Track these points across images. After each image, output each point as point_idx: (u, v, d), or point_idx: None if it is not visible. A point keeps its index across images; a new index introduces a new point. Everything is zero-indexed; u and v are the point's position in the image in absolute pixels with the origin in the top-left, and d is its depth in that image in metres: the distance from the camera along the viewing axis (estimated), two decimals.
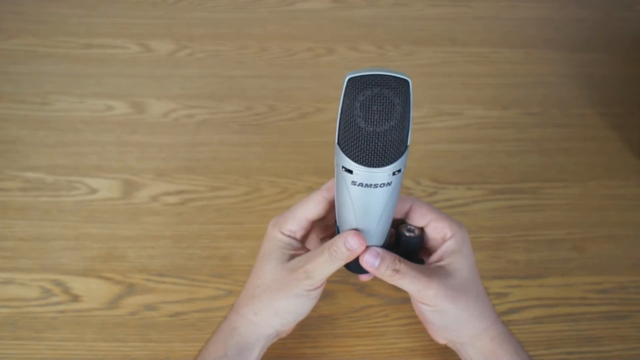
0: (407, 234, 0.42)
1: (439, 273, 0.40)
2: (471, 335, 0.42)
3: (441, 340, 0.45)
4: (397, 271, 0.39)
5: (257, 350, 0.42)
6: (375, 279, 0.43)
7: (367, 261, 0.40)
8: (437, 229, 0.42)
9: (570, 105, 0.74)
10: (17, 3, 0.85)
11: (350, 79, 0.34)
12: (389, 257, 0.40)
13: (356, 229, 0.39)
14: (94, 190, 0.62)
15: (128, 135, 0.68)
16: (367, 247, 0.40)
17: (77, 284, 0.54)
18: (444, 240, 0.42)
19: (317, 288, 0.41)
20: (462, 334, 0.42)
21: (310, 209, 0.42)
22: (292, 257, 0.42)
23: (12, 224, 0.59)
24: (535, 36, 0.84)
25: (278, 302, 0.41)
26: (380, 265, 0.39)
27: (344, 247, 0.39)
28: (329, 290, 0.54)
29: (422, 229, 0.43)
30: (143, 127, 0.69)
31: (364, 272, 0.41)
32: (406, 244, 0.42)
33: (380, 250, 0.40)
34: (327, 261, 0.39)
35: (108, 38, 0.80)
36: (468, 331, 0.42)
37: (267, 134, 0.69)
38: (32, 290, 0.53)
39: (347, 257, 0.39)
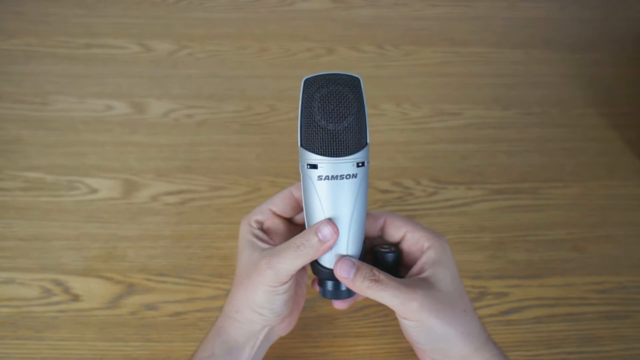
0: (382, 250, 0.41)
1: (421, 285, 0.37)
2: (460, 356, 0.38)
3: None
4: (375, 281, 0.36)
5: (248, 349, 0.41)
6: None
7: (341, 271, 0.37)
8: (413, 239, 0.40)
9: (571, 105, 0.74)
10: (17, 3, 0.85)
11: (306, 80, 0.36)
12: (366, 267, 0.37)
13: (329, 219, 0.37)
14: (94, 190, 0.62)
15: (128, 135, 0.68)
16: (342, 256, 0.38)
17: (78, 284, 0.54)
18: (422, 252, 0.40)
19: (283, 284, 0.38)
20: (450, 355, 0.39)
21: (277, 202, 0.41)
22: (260, 248, 0.40)
23: (12, 224, 0.59)
24: (535, 36, 0.84)
25: (250, 298, 0.39)
26: (356, 276, 0.37)
27: (316, 237, 0.37)
28: None
29: (397, 245, 0.42)
30: (143, 127, 0.69)
31: (339, 296, 0.40)
32: (382, 261, 0.40)
33: (355, 260, 0.38)
34: (294, 255, 0.37)
35: (108, 38, 0.80)
36: (457, 351, 0.38)
37: (267, 134, 0.69)
38: (33, 290, 0.53)
39: (316, 249, 0.37)
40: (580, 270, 0.56)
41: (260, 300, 0.39)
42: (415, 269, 0.40)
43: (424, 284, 0.37)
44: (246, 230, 0.41)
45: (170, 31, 0.82)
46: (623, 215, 0.62)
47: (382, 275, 0.37)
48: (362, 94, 0.37)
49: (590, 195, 0.64)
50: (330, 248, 0.38)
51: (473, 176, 0.65)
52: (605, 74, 0.79)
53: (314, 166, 0.36)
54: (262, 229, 0.42)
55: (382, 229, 0.42)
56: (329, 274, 0.39)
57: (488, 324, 0.52)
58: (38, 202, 0.61)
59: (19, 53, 0.78)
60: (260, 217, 0.42)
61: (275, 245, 0.40)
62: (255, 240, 0.40)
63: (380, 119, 0.71)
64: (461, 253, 0.57)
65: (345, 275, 0.37)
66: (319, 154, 0.36)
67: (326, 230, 0.37)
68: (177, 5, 0.87)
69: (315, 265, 0.40)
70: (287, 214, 0.42)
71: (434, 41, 0.82)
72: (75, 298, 0.53)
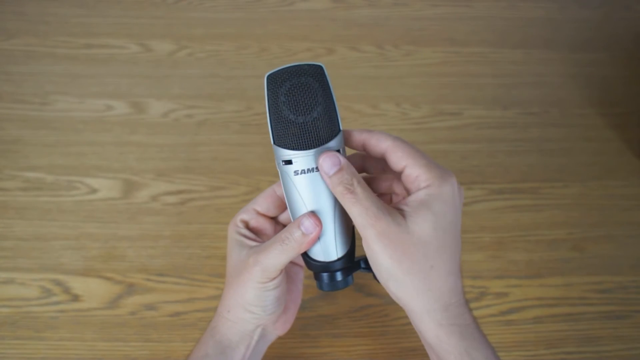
0: None
1: (394, 218, 0.34)
2: (411, 309, 0.36)
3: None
4: (350, 192, 0.34)
5: (243, 348, 0.41)
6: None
7: (324, 164, 0.35)
8: (410, 177, 0.35)
9: (570, 105, 0.74)
10: (17, 3, 0.85)
11: (269, 76, 0.36)
12: (349, 172, 0.35)
13: (312, 212, 0.37)
14: (94, 190, 0.62)
15: (128, 135, 0.68)
16: (329, 151, 0.35)
17: (77, 284, 0.54)
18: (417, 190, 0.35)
19: (272, 279, 0.38)
20: (401, 300, 0.36)
21: (260, 202, 0.42)
22: (248, 246, 0.40)
23: (12, 224, 0.59)
24: (535, 36, 0.84)
25: (241, 297, 0.39)
26: (334, 175, 0.35)
27: (299, 231, 0.36)
28: None
29: None
30: (143, 127, 0.69)
31: (336, 287, 0.39)
32: None
33: (343, 159, 0.35)
34: (280, 249, 0.37)
35: (108, 38, 0.80)
36: (406, 301, 0.36)
37: (267, 134, 0.68)
38: (32, 290, 0.53)
39: (300, 243, 0.36)
40: (580, 270, 0.56)
41: (250, 298, 0.39)
42: (403, 203, 0.36)
43: (396, 218, 0.34)
44: (233, 230, 0.41)
45: (170, 31, 0.82)
46: (623, 215, 0.62)
47: (359, 189, 0.34)
48: (327, 82, 0.36)
49: (590, 195, 0.64)
50: (316, 240, 0.37)
51: (473, 176, 0.65)
52: (605, 74, 0.79)
53: (289, 162, 0.36)
54: (248, 228, 0.42)
55: (385, 157, 0.38)
56: (322, 267, 0.39)
57: (488, 324, 0.52)
58: (38, 202, 0.61)
59: (19, 53, 0.78)
60: (244, 217, 0.42)
61: (261, 240, 0.40)
62: (242, 239, 0.41)
63: (380, 119, 0.70)
64: (461, 253, 0.57)
65: (325, 170, 0.35)
66: (291, 149, 0.36)
67: (307, 223, 0.36)
68: (177, 5, 0.86)
69: (306, 259, 0.39)
70: (271, 213, 0.42)
71: (434, 41, 0.82)
72: (75, 298, 0.53)
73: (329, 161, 0.35)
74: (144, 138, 0.68)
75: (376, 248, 0.34)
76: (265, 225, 0.42)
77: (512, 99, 0.74)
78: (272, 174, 0.64)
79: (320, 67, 0.36)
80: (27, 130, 0.68)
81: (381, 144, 0.37)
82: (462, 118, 0.72)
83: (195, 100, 0.72)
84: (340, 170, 0.35)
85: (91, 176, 0.63)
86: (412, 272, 0.34)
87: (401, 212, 0.35)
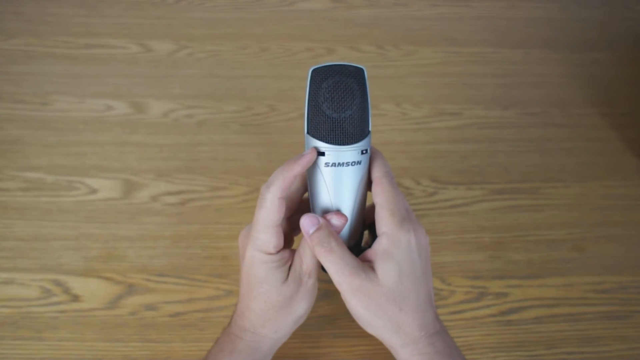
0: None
1: (366, 273, 0.38)
2: (388, 344, 0.40)
3: None
4: (326, 251, 0.38)
5: (269, 357, 0.44)
6: None
7: (304, 223, 0.39)
8: (377, 215, 0.39)
9: (571, 105, 0.74)
10: (17, 3, 0.85)
11: (313, 70, 0.38)
12: (326, 231, 0.38)
13: (337, 211, 0.40)
14: (94, 190, 0.62)
15: (128, 135, 0.68)
16: (309, 214, 0.40)
17: (77, 284, 0.54)
18: (379, 234, 0.39)
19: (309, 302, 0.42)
20: (379, 337, 0.40)
21: (274, 217, 0.39)
22: (285, 269, 0.40)
23: (12, 224, 0.59)
24: (535, 36, 0.84)
25: (296, 313, 0.41)
26: (313, 234, 0.38)
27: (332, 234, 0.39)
28: (329, 290, 0.54)
29: None
30: (143, 127, 0.69)
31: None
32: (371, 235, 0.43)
33: (322, 220, 0.39)
34: (316, 254, 0.39)
35: (108, 38, 0.80)
36: (383, 339, 0.40)
37: (267, 134, 0.69)
38: (32, 290, 0.53)
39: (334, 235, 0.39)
40: (580, 270, 0.56)
41: (305, 309, 0.41)
42: (370, 252, 0.40)
43: (369, 274, 0.38)
44: (263, 260, 0.39)
45: (170, 31, 0.82)
46: (623, 215, 0.62)
47: (336, 247, 0.38)
48: (366, 85, 0.39)
49: (590, 195, 0.63)
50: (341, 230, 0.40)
51: (473, 176, 0.65)
52: (605, 74, 0.79)
53: (321, 153, 0.38)
54: (278, 252, 0.40)
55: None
56: None
57: (488, 324, 0.52)
58: (38, 202, 0.61)
59: (19, 53, 0.78)
60: (270, 245, 0.39)
61: (290, 251, 0.41)
62: (280, 267, 0.40)
63: (380, 119, 0.70)
64: (461, 253, 0.57)
65: (306, 229, 0.39)
66: (326, 142, 0.38)
67: (337, 222, 0.39)
68: (177, 5, 0.86)
69: None
70: (282, 217, 0.40)
71: (434, 41, 0.82)
72: (75, 298, 0.53)
73: (308, 221, 0.39)
74: (144, 138, 0.68)
75: (352, 302, 0.38)
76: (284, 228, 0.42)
77: (512, 99, 0.74)
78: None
79: (362, 71, 0.39)
80: (27, 131, 0.68)
81: (374, 173, 0.40)
82: (462, 118, 0.72)
83: (195, 100, 0.72)
84: (319, 229, 0.38)
85: (91, 176, 0.63)
86: (384, 318, 0.38)
87: (370, 265, 0.39)
